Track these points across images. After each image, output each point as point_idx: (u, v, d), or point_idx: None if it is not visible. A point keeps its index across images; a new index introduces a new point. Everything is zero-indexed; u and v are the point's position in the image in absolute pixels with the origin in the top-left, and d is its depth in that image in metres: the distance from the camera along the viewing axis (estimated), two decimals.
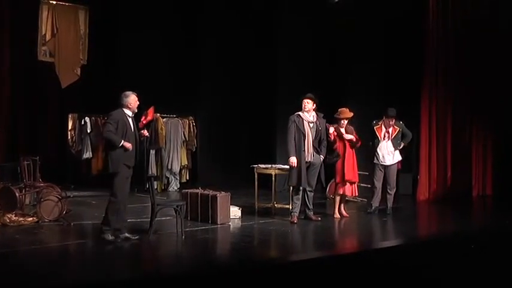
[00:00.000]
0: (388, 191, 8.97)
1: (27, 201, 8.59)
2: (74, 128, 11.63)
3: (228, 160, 12.30)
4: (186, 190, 8.59)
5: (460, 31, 10.76)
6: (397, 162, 8.94)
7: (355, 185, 8.55)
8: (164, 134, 11.37)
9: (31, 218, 7.76)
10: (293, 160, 7.97)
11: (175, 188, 11.63)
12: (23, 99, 11.21)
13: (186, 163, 11.86)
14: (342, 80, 11.81)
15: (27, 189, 8.36)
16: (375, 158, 8.89)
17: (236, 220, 8.21)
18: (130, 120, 6.74)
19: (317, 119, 8.15)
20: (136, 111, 6.88)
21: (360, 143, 8.51)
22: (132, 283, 5.26)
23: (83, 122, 11.50)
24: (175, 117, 11.80)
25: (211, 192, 8.07)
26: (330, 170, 8.54)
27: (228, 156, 12.36)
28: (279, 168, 9.06)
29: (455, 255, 6.45)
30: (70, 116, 11.68)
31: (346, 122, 8.45)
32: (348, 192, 8.49)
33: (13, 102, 10.91)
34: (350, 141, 8.39)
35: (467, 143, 11.03)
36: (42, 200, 7.85)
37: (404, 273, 5.77)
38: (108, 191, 6.74)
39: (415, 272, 5.83)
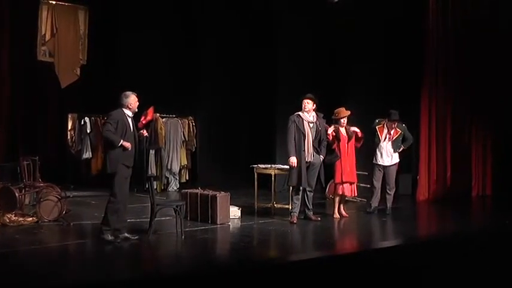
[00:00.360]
0: (388, 191, 8.97)
1: (26, 201, 8.58)
2: (73, 128, 11.63)
3: (227, 160, 12.30)
4: (186, 190, 8.59)
5: (459, 31, 10.76)
6: (395, 164, 8.94)
7: (355, 185, 8.55)
8: (164, 134, 11.37)
9: (31, 218, 7.76)
10: (293, 160, 7.97)
11: (175, 188, 11.63)
12: (22, 99, 11.20)
13: (186, 163, 11.86)
14: (341, 80, 11.81)
15: (26, 189, 8.36)
16: (374, 158, 8.89)
17: (236, 220, 8.21)
18: (129, 120, 6.74)
19: (317, 119, 8.15)
20: (136, 111, 6.88)
21: (362, 141, 8.51)
22: (132, 283, 5.25)
23: (82, 122, 11.50)
24: (174, 117, 11.80)
25: (210, 192, 8.07)
26: (329, 170, 8.55)
27: (227, 156, 12.35)
28: (278, 168, 9.06)
29: (455, 255, 6.44)
30: (70, 116, 11.68)
31: (345, 121, 8.45)
32: (347, 192, 8.49)
33: (13, 102, 10.91)
34: (355, 134, 8.36)
35: (467, 143, 11.03)
36: (41, 200, 7.85)
37: (404, 274, 5.77)
38: (108, 191, 6.74)
39: (414, 272, 5.83)
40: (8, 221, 7.59)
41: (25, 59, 11.13)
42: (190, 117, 12.06)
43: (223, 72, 12.35)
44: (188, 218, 7.98)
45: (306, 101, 8.11)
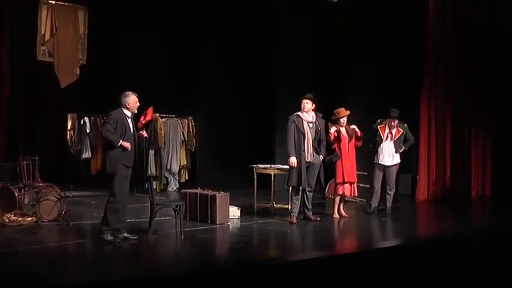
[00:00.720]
0: (388, 191, 8.97)
1: (26, 201, 8.58)
2: (73, 128, 11.63)
3: (227, 160, 12.30)
4: (185, 190, 8.58)
5: (459, 31, 10.75)
6: (396, 165, 8.93)
7: (355, 185, 8.54)
8: (163, 134, 11.37)
9: (30, 218, 7.76)
10: (293, 160, 7.96)
11: (175, 188, 11.62)
12: (22, 99, 11.20)
13: (185, 163, 11.85)
14: (341, 80, 11.81)
15: (26, 189, 8.36)
16: (375, 158, 8.89)
17: (235, 220, 8.20)
18: (129, 120, 6.73)
19: (316, 119, 8.15)
20: (136, 111, 6.87)
21: (362, 141, 8.51)
22: (131, 283, 5.25)
23: (82, 122, 11.50)
24: (174, 117, 11.79)
25: (210, 192, 8.07)
26: (329, 170, 8.54)
27: (227, 156, 12.35)
28: (278, 168, 9.05)
29: (455, 255, 6.44)
30: (69, 116, 11.68)
31: (345, 121, 8.45)
32: (347, 192, 8.48)
33: (12, 102, 10.91)
34: (355, 133, 8.35)
35: (467, 143, 11.03)
36: (41, 199, 7.85)
37: (404, 274, 5.76)
38: (107, 191, 6.73)
39: (414, 272, 5.83)
40: (7, 220, 7.59)
41: (25, 59, 11.13)
42: (190, 117, 12.06)
43: (223, 72, 12.35)
44: (188, 218, 7.98)
45: (305, 101, 8.11)
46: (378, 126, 8.92)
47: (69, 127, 11.67)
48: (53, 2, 11.36)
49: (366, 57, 11.51)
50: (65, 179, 10.30)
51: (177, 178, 11.74)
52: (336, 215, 8.52)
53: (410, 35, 10.76)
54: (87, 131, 11.46)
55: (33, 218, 7.77)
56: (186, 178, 11.92)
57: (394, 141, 8.84)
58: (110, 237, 6.63)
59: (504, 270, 6.09)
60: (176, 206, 7.18)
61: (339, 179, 8.39)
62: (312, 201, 8.38)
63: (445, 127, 10.74)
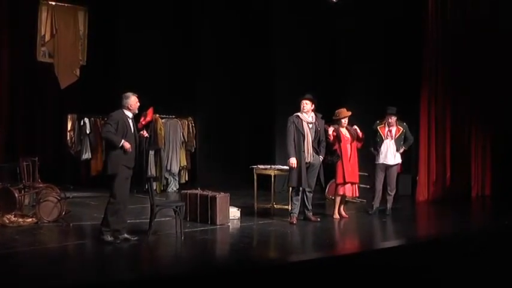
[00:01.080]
0: (389, 192, 8.96)
1: (26, 202, 8.58)
2: (73, 128, 11.63)
3: (227, 161, 12.30)
4: (185, 191, 8.57)
5: (459, 31, 10.75)
6: (397, 164, 8.93)
7: (356, 185, 8.53)
8: (163, 134, 11.36)
9: (30, 219, 7.75)
10: (293, 161, 7.96)
11: (175, 188, 11.62)
12: (22, 99, 11.21)
13: (185, 164, 11.85)
14: (341, 80, 11.82)
15: (26, 190, 8.36)
16: (377, 158, 8.87)
17: (235, 221, 8.20)
18: (130, 121, 6.73)
19: (316, 119, 8.15)
20: (136, 112, 6.88)
21: (363, 142, 8.51)
22: (132, 284, 5.25)
23: (82, 123, 11.50)
24: (174, 118, 11.79)
25: (210, 193, 8.07)
26: (329, 170, 8.54)
27: (227, 157, 12.35)
28: (278, 169, 9.05)
29: (455, 255, 6.44)
30: (69, 116, 11.68)
31: (346, 121, 8.45)
32: (349, 193, 8.47)
33: (12, 103, 10.91)
34: (356, 134, 8.36)
35: (467, 143, 11.02)
36: (41, 200, 7.84)
37: (404, 274, 5.76)
38: (108, 192, 6.73)
39: (414, 272, 5.83)
40: (7, 221, 7.58)
41: (25, 60, 11.14)
42: (190, 118, 12.06)
43: (223, 72, 12.35)
44: (188, 219, 7.97)
45: (304, 101, 8.10)
46: (378, 127, 8.92)
47: (69, 128, 11.66)
48: (53, 3, 11.37)
49: (366, 57, 11.52)
50: (64, 180, 10.31)
51: (177, 179, 11.74)
52: (336, 216, 8.51)
53: (410, 35, 10.76)
54: (87, 132, 11.46)
55: (33, 219, 7.76)
56: (186, 179, 11.92)
57: (394, 140, 8.83)
58: (110, 238, 6.62)
59: (504, 271, 6.09)
60: (176, 207, 7.18)
61: (340, 180, 8.38)
62: (312, 202, 8.38)
63: (445, 127, 10.74)
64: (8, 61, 10.71)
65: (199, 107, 12.44)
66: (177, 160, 11.65)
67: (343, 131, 8.43)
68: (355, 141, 8.45)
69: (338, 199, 8.53)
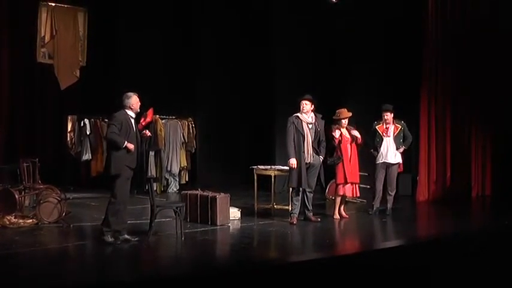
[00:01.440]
0: (389, 192, 8.96)
1: (26, 203, 8.57)
2: (73, 129, 11.63)
3: (227, 161, 12.30)
4: (186, 191, 8.57)
5: (459, 31, 10.75)
6: (398, 163, 8.93)
7: (357, 185, 8.53)
8: (163, 135, 11.36)
9: (31, 220, 7.76)
10: (293, 162, 7.96)
11: (175, 189, 11.61)
12: (22, 100, 11.22)
13: (186, 164, 11.85)
14: (341, 80, 11.81)
15: (26, 191, 8.36)
16: (377, 158, 8.87)
17: (236, 221, 8.20)
18: (132, 121, 6.75)
19: (316, 119, 8.15)
20: (138, 111, 6.89)
21: (360, 142, 8.51)
22: (132, 285, 5.26)
23: (82, 124, 11.50)
24: (174, 118, 11.79)
25: (210, 194, 8.07)
26: (329, 170, 8.54)
27: (227, 158, 12.35)
28: (278, 170, 9.05)
29: (455, 255, 6.44)
30: (69, 117, 11.68)
31: (346, 122, 8.45)
32: (349, 193, 8.47)
33: (12, 104, 10.92)
34: (355, 138, 8.37)
35: (467, 143, 11.01)
36: (41, 201, 7.84)
37: (404, 274, 5.76)
38: (109, 193, 6.72)
39: (414, 272, 5.83)
40: (8, 222, 7.59)
41: (25, 61, 11.15)
42: (190, 119, 12.05)
43: (223, 72, 12.35)
44: (188, 220, 7.97)
45: (304, 102, 8.10)
46: (376, 127, 8.92)
47: (69, 129, 11.66)
48: (53, 4, 11.38)
49: (366, 57, 11.51)
50: (65, 181, 10.30)
51: (178, 179, 11.74)
52: (337, 216, 8.51)
53: (410, 35, 10.76)
54: (87, 133, 11.45)
55: (34, 220, 7.77)
56: (187, 179, 11.91)
57: (393, 138, 8.83)
58: (110, 239, 6.63)
59: (504, 271, 6.09)
60: (176, 208, 7.18)
61: (340, 180, 8.38)
62: (312, 202, 8.38)
63: (445, 127, 10.74)
64: (8, 62, 10.72)
65: (199, 107, 12.44)
66: (177, 161, 11.65)
67: (344, 131, 8.43)
68: (354, 142, 8.46)
69: (338, 199, 8.53)
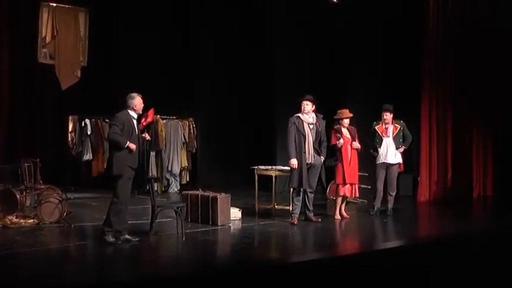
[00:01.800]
0: (390, 192, 8.95)
1: (27, 203, 8.57)
2: (74, 130, 11.63)
3: (228, 161, 12.30)
4: (187, 191, 8.58)
5: (459, 31, 10.74)
6: (398, 163, 8.92)
7: (356, 186, 8.54)
8: (164, 135, 11.36)
9: (32, 220, 7.76)
10: (294, 162, 7.96)
11: (176, 189, 11.62)
12: (23, 101, 11.23)
13: (186, 165, 11.85)
14: (341, 80, 11.81)
15: (27, 191, 8.36)
16: (377, 159, 8.87)
17: (236, 221, 8.20)
18: (135, 122, 6.76)
19: (317, 120, 8.15)
20: (140, 112, 6.90)
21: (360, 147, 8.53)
22: (133, 285, 5.26)
23: (83, 124, 11.50)
24: (175, 118, 11.80)
25: (211, 194, 8.07)
26: (330, 171, 8.54)
27: (228, 158, 12.35)
28: (279, 170, 9.05)
29: (456, 256, 6.44)
30: (70, 118, 11.68)
31: (347, 122, 8.46)
32: (348, 193, 8.48)
33: (13, 104, 10.93)
34: (356, 147, 8.41)
35: (468, 143, 11.01)
36: (42, 202, 7.85)
37: (405, 275, 5.76)
38: (112, 193, 6.72)
39: (415, 273, 5.82)
40: (9, 222, 7.60)
41: (25, 61, 11.15)
42: (191, 119, 12.06)
43: (223, 73, 12.36)
44: (189, 220, 7.98)
45: (305, 102, 8.10)
46: (376, 127, 8.92)
47: (70, 129, 11.67)
48: (54, 5, 11.39)
49: (366, 57, 11.51)
50: (66, 181, 10.30)
51: (178, 179, 11.74)
52: (338, 216, 8.51)
53: (410, 35, 10.75)
54: (88, 133, 11.46)
55: (35, 220, 7.77)
56: (187, 179, 11.91)
57: (393, 138, 8.82)
58: (111, 239, 6.63)
59: (506, 271, 6.08)
60: (177, 208, 7.19)
61: (339, 181, 8.38)
62: (313, 203, 8.38)
63: (446, 127, 10.73)
64: (8, 62, 10.73)
65: (199, 108, 12.44)
66: (178, 161, 11.66)
67: (344, 131, 8.43)
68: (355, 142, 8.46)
69: (339, 200, 8.53)
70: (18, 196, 7.85)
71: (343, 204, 8.62)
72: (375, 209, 8.92)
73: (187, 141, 11.86)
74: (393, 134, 8.84)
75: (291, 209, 8.40)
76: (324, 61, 11.99)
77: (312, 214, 8.29)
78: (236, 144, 12.52)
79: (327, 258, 6.44)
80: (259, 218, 8.59)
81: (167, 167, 11.53)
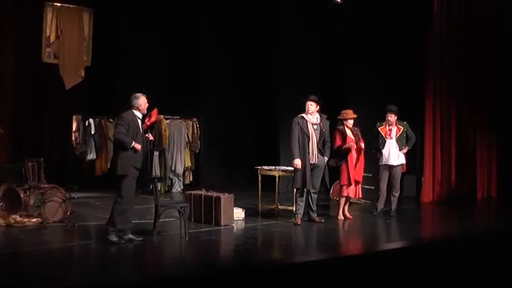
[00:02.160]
0: (393, 193, 8.93)
1: (31, 202, 8.60)
2: (78, 129, 11.66)
3: (231, 162, 12.30)
4: (190, 191, 8.58)
5: (463, 31, 10.71)
6: (402, 165, 8.91)
7: (359, 186, 8.52)
8: (168, 135, 11.38)
9: (35, 219, 7.78)
10: (297, 162, 7.96)
11: (179, 189, 11.63)
12: (27, 100, 11.24)
13: (190, 164, 11.86)
14: (345, 80, 11.79)
15: (31, 190, 8.38)
16: (381, 160, 8.85)
17: (239, 222, 8.20)
18: (139, 122, 6.77)
19: (321, 120, 8.14)
20: (145, 112, 6.91)
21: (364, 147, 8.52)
22: (136, 284, 5.26)
23: (87, 124, 11.52)
24: (178, 118, 11.81)
25: (214, 194, 8.07)
26: (333, 172, 8.53)
27: (231, 158, 12.35)
28: (282, 170, 9.05)
29: (460, 257, 6.42)
30: (74, 117, 11.71)
31: (352, 122, 8.45)
32: (352, 194, 8.47)
33: (17, 104, 10.94)
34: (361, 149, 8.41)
35: (472, 144, 10.98)
36: (46, 201, 7.87)
37: (409, 276, 5.75)
38: (115, 192, 6.73)
39: (419, 274, 5.81)
40: (12, 221, 7.61)
41: (30, 61, 11.17)
42: (194, 119, 12.07)
43: (226, 73, 12.37)
44: (192, 220, 7.98)
45: (309, 102, 8.10)
46: (379, 128, 8.90)
47: (74, 129, 11.70)
48: (58, 4, 11.41)
49: (370, 58, 11.48)
50: (69, 181, 10.32)
51: (182, 179, 11.75)
52: (341, 217, 8.51)
53: (415, 35, 10.73)
54: (92, 133, 11.47)
55: (39, 219, 7.79)
56: (191, 179, 11.92)
57: (396, 139, 8.81)
58: (115, 238, 6.64)
59: (510, 272, 6.06)
60: (181, 208, 7.19)
61: (344, 181, 8.37)
62: (317, 203, 8.37)
63: (450, 128, 10.69)
64: (12, 62, 10.74)
65: (203, 108, 12.45)
66: (182, 161, 11.66)
67: (348, 132, 8.42)
68: (359, 142, 8.45)
69: (342, 200, 8.52)
70: (22, 195, 7.87)
71: (347, 205, 8.61)
72: (378, 209, 8.91)
73: (190, 141, 11.87)
74: (396, 135, 8.82)
75: (294, 209, 8.39)
76: (328, 61, 11.98)
77: (315, 215, 8.28)
78: (239, 144, 12.53)
79: (330, 258, 6.43)
80: (263, 218, 8.59)
81: (171, 167, 11.54)
